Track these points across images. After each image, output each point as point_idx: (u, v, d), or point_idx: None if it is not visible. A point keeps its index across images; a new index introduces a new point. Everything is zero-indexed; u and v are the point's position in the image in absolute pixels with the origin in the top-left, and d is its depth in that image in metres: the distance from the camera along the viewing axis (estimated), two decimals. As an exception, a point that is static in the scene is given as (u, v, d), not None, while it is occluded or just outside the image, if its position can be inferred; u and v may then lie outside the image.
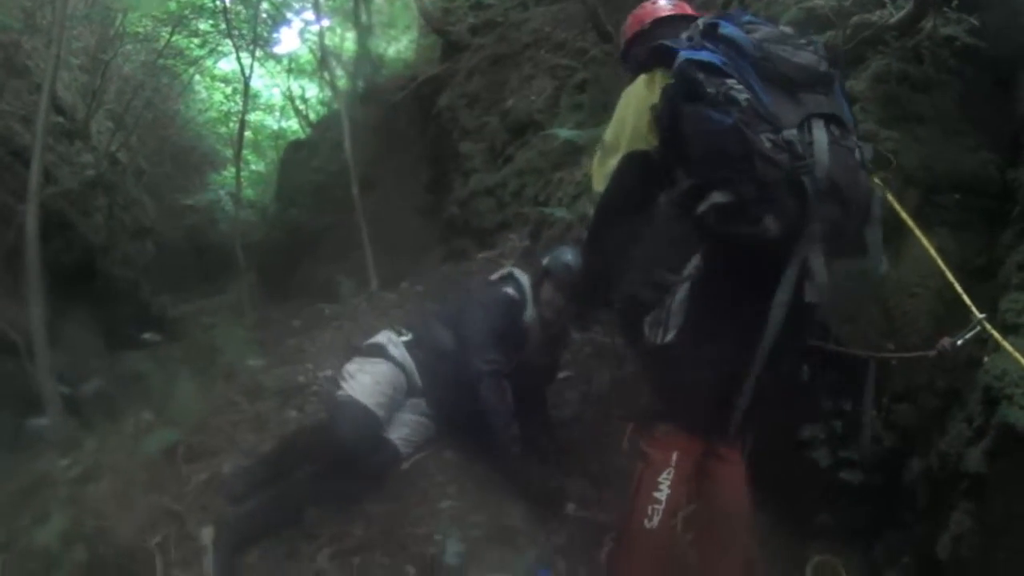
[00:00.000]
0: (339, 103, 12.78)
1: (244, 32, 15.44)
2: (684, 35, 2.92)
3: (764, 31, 2.79)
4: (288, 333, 7.52)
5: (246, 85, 15.19)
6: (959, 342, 2.81)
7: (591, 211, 3.44)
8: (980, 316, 2.78)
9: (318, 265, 11.93)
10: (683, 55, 2.75)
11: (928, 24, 4.06)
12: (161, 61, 17.82)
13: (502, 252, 7.24)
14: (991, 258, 3.51)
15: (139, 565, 3.67)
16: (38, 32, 12.67)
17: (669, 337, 2.80)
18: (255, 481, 3.96)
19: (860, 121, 3.53)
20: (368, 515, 3.79)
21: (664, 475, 2.88)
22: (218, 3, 15.10)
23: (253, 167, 23.06)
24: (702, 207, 2.59)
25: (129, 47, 17.65)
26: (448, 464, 4.18)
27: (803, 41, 2.83)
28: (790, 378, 3.03)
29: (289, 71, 20.46)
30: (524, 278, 4.39)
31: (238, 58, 15.54)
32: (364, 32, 15.91)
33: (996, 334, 2.72)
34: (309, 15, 16.57)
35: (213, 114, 22.89)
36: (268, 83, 22.45)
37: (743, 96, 2.56)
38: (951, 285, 2.94)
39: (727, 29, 2.77)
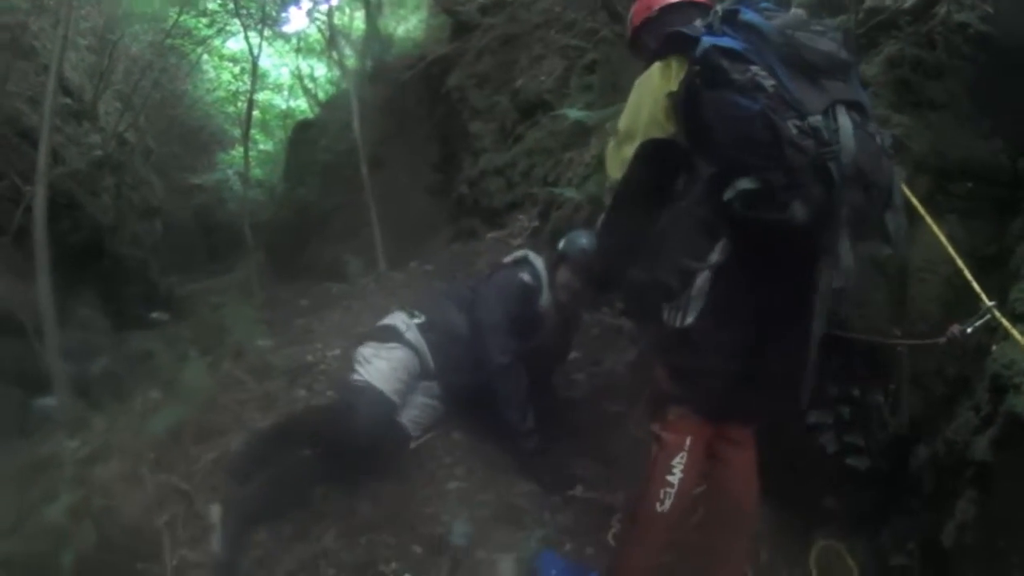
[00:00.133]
0: (348, 82, 12.74)
1: (252, 11, 15.38)
2: (700, 22, 2.90)
3: (783, 17, 2.77)
4: (296, 313, 7.53)
5: (254, 65, 15.19)
6: (968, 330, 2.81)
7: (604, 195, 3.44)
8: (990, 304, 2.78)
9: (326, 245, 11.94)
10: (706, 41, 2.72)
11: (942, 10, 4.02)
12: (169, 41, 17.75)
13: (511, 232, 7.25)
14: (1001, 247, 3.49)
15: (147, 544, 3.69)
16: (45, 13, 12.64)
17: (688, 321, 2.79)
18: (257, 458, 3.97)
19: (872, 106, 3.52)
20: (375, 495, 3.81)
21: (678, 459, 2.88)
22: (226, -18, 15.05)
23: (261, 147, 23.07)
24: (728, 194, 2.58)
25: (137, 27, 17.64)
26: (456, 445, 4.20)
27: (820, 27, 2.81)
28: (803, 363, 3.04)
29: (298, 50, 20.44)
30: (539, 262, 4.39)
31: (246, 37, 15.52)
32: (373, 11, 15.87)
33: (1005, 322, 2.71)
34: (318, -6, 16.50)
35: (221, 94, 22.86)
36: (276, 63, 22.45)
37: (769, 83, 2.54)
38: (961, 272, 2.93)
39: (748, 15, 2.74)
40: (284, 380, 5.00)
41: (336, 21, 16.38)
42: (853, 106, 2.62)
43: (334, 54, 16.50)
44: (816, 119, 2.50)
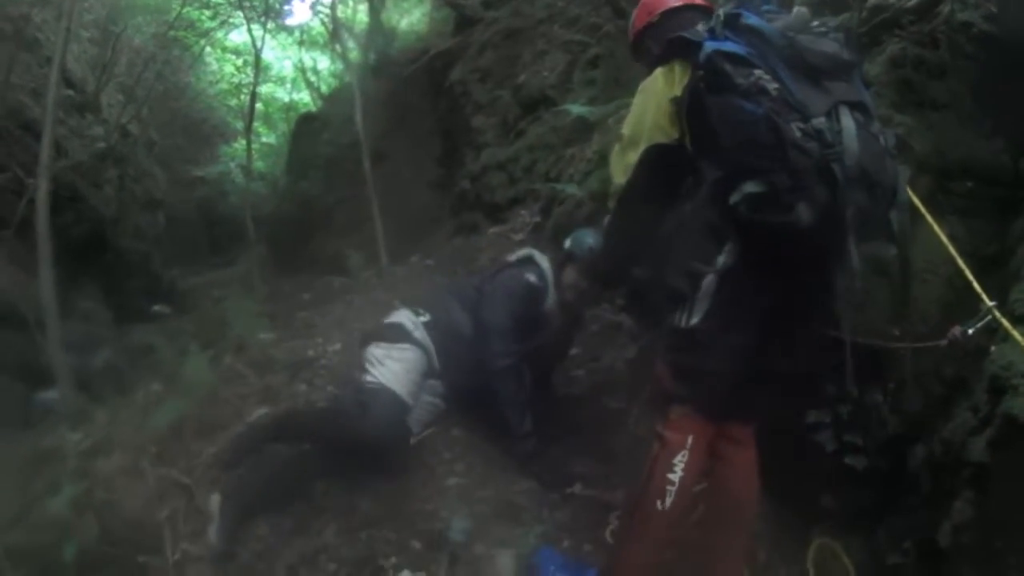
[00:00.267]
0: (351, 76, 12.74)
1: (256, 4, 15.37)
2: (702, 26, 2.91)
3: (785, 20, 2.80)
4: (298, 306, 7.55)
5: (257, 57, 15.15)
6: (970, 331, 2.83)
7: (608, 196, 3.46)
8: (990, 304, 2.80)
9: (328, 238, 11.93)
10: (709, 46, 2.75)
11: (945, 9, 4.02)
12: (172, 33, 17.76)
13: (513, 227, 7.25)
14: (1002, 247, 3.50)
15: (149, 537, 3.71)
16: (48, 4, 12.63)
17: (694, 321, 2.82)
18: (253, 450, 3.96)
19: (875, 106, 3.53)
20: (375, 491, 3.82)
21: (679, 457, 2.89)
22: (230, -26, 15.04)
23: (264, 139, 23.01)
24: (734, 197, 2.62)
25: (140, 19, 17.64)
26: (455, 441, 4.21)
27: (821, 28, 2.83)
28: (806, 364, 3.07)
29: (301, 43, 20.37)
30: (544, 262, 4.40)
31: (249, 30, 15.50)
32: (376, 4, 15.85)
33: (1006, 323, 2.73)
34: (322, -14, 16.47)
35: (224, 86, 22.85)
36: (279, 55, 22.40)
37: (772, 86, 2.57)
38: (961, 272, 2.95)
39: (750, 19, 2.77)
40: (285, 374, 5.00)
41: (339, 14, 16.37)
42: (856, 107, 2.65)
43: (337, 47, 16.50)
44: (819, 121, 2.53)
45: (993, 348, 2.95)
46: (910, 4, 4.10)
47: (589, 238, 4.25)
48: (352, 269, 8.04)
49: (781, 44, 2.67)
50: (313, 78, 21.14)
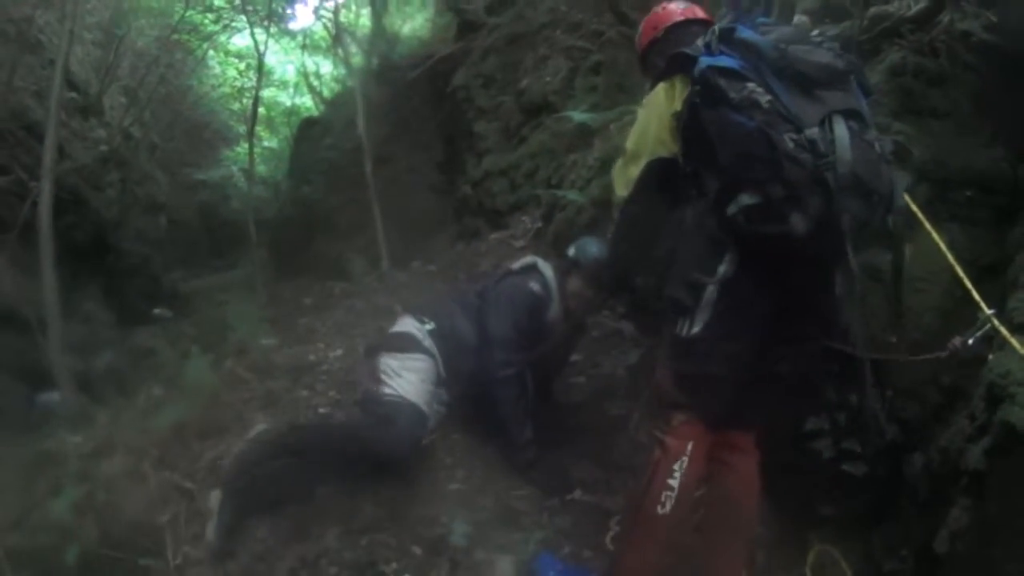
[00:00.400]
0: (353, 80, 12.74)
1: (259, 8, 15.41)
2: (701, 41, 2.95)
3: (780, 32, 2.86)
4: (299, 311, 7.57)
5: (260, 61, 15.15)
6: (970, 341, 2.86)
7: (613, 211, 3.51)
8: (989, 312, 2.81)
9: (330, 242, 11.93)
10: (703, 62, 2.81)
11: (945, 18, 4.04)
12: (175, 36, 17.77)
13: (514, 233, 7.27)
14: (1001, 255, 3.51)
15: (150, 540, 3.72)
16: (51, 6, 12.64)
17: (695, 330, 2.87)
18: (253, 466, 3.86)
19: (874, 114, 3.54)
20: (377, 496, 3.83)
21: (679, 463, 2.92)
22: (233, -21, 15.06)
23: (266, 143, 23.00)
24: (731, 209, 2.69)
25: (143, 22, 17.65)
26: (456, 447, 4.22)
27: (818, 39, 2.87)
28: (805, 371, 3.10)
29: (303, 47, 20.35)
30: (548, 270, 4.39)
31: (252, 34, 15.50)
32: (379, 9, 15.86)
33: (1004, 331, 2.74)
34: (324, -9, 16.49)
35: (226, 90, 22.82)
36: (282, 59, 22.37)
37: (765, 99, 2.62)
38: (959, 281, 2.97)
39: (744, 33, 2.83)
40: (287, 379, 5.01)
41: (342, 19, 16.38)
42: (851, 115, 2.69)
43: (340, 52, 16.46)
44: (812, 131, 2.57)
45: (991, 356, 2.96)
46: (910, 13, 4.12)
47: (593, 246, 4.27)
48: (353, 274, 8.07)
49: (774, 56, 2.72)
50: (315, 82, 21.13)
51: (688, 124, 2.93)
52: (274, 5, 15.53)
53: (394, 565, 3.49)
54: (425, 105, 11.72)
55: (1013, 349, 2.68)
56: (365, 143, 10.29)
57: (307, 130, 16.19)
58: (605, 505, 3.86)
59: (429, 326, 4.23)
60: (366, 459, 3.81)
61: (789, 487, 3.47)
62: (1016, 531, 2.69)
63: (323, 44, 20.23)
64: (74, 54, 13.30)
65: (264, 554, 3.57)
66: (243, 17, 15.58)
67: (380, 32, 15.46)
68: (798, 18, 4.39)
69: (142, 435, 4.40)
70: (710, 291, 2.84)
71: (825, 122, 2.62)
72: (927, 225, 3.14)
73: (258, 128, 18.25)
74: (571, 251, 4.37)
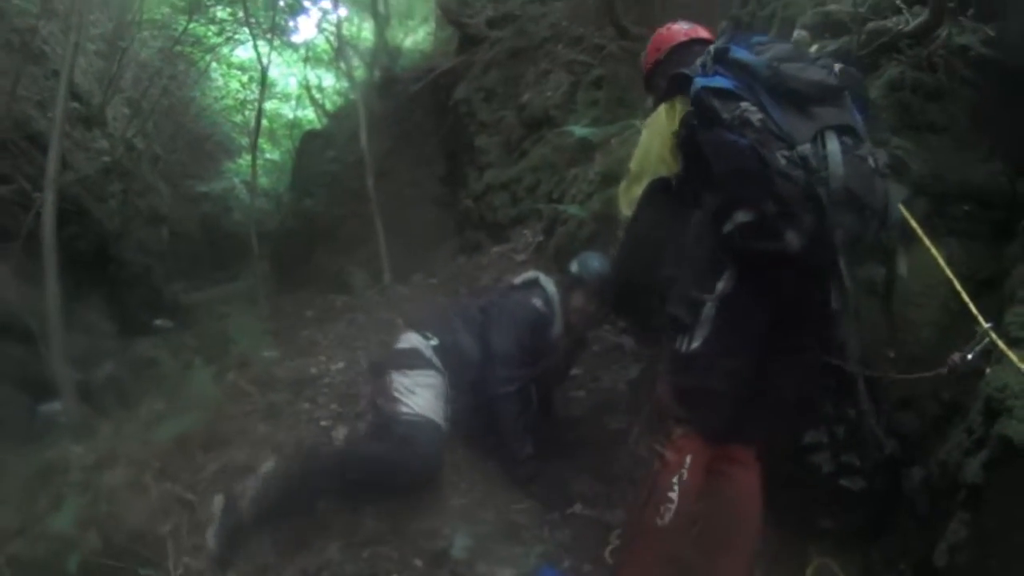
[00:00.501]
0: (355, 93, 12.82)
1: (262, 20, 15.49)
2: (699, 61, 3.01)
3: (774, 50, 2.92)
4: (301, 324, 7.58)
5: (263, 73, 15.22)
6: (969, 356, 2.88)
7: (618, 230, 3.57)
8: (987, 325, 2.84)
9: (332, 255, 11.97)
10: (698, 83, 2.88)
11: (943, 33, 4.06)
12: (178, 48, 17.87)
13: (515, 247, 7.29)
14: (998, 270, 3.53)
15: (151, 550, 3.73)
16: (55, 17, 12.69)
17: (695, 345, 2.91)
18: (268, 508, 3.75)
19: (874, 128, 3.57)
20: (378, 508, 3.82)
21: (678, 476, 2.95)
22: (236, -9, 15.13)
23: (268, 156, 23.08)
24: (727, 227, 2.74)
25: (146, 33, 17.74)
26: (458, 461, 4.21)
27: (812, 56, 2.93)
28: (803, 385, 3.12)
29: (306, 60, 20.47)
30: (551, 286, 4.39)
31: (255, 46, 15.57)
32: (381, 22, 15.95)
33: (1002, 344, 2.76)
34: (327, 4, 16.62)
35: (229, 102, 22.94)
36: (285, 72, 22.48)
37: (756, 117, 2.67)
38: (957, 295, 2.99)
39: (738, 53, 2.89)
40: (289, 392, 5.01)
41: (344, 32, 16.48)
42: (844, 130, 2.73)
43: (342, 65, 16.57)
44: (805, 147, 2.63)
45: (988, 370, 2.98)
46: (908, 28, 4.14)
47: (595, 262, 4.29)
48: (355, 287, 8.09)
49: (766, 75, 2.78)
50: (318, 95, 21.23)
51: (686, 144, 2.99)
52: (277, 18, 15.63)
53: (395, 577, 3.51)
54: (427, 118, 11.77)
55: (1010, 363, 2.70)
56: (367, 156, 10.34)
57: (309, 143, 16.26)
58: (605, 519, 3.86)
59: (434, 342, 4.20)
60: (392, 486, 3.80)
61: (788, 500, 3.47)
62: (1014, 544, 2.70)
63: (325, 57, 20.37)
64: (78, 65, 13.32)
65: (265, 566, 3.57)
66: (246, 29, 15.68)
67: (382, 45, 15.57)
68: (798, 33, 4.42)
69: (144, 446, 4.40)
70: (709, 307, 2.88)
71: (817, 138, 2.67)
72: (925, 240, 3.16)
73: (260, 140, 18.31)
74: (574, 267, 4.38)
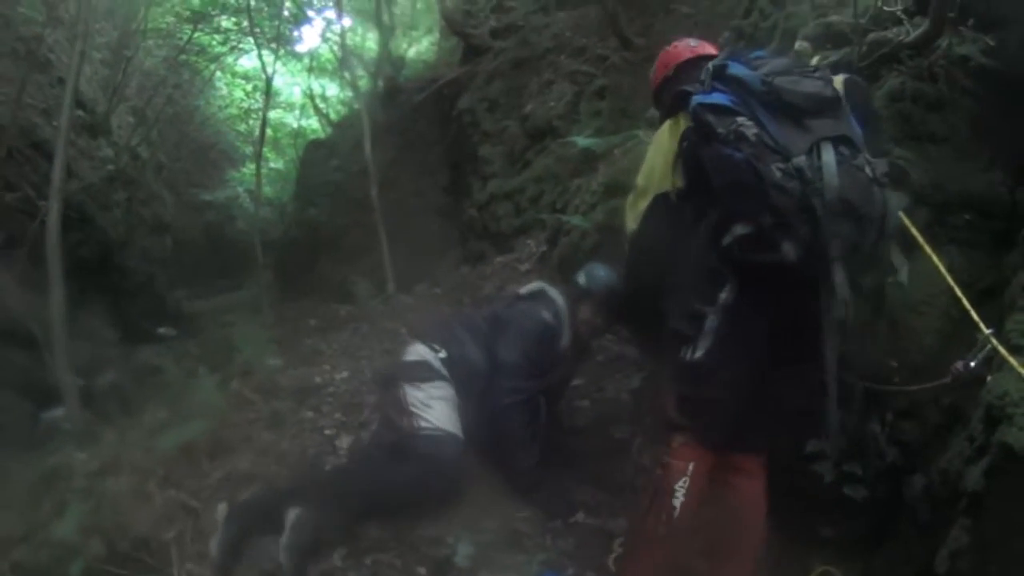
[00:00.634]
0: (359, 103, 12.83)
1: (266, 30, 15.54)
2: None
3: (771, 64, 2.96)
4: (304, 333, 7.59)
5: (267, 83, 15.27)
6: (972, 364, 2.91)
7: (626, 245, 3.62)
8: (988, 331, 2.86)
9: (335, 265, 11.99)
10: (695, 100, 2.94)
11: (944, 43, 4.07)
12: (183, 57, 17.94)
13: (519, 257, 7.30)
14: (998, 278, 3.53)
15: (155, 557, 3.74)
16: (60, 25, 12.73)
17: (698, 355, 2.96)
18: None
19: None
20: (382, 516, 3.84)
21: (680, 483, 2.99)
22: (241, 1, 15.17)
23: (272, 165, 23.12)
24: (727, 239, 2.80)
25: (151, 42, 17.82)
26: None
27: (810, 68, 2.98)
28: (804, 394, 3.14)
29: (310, 70, 20.52)
30: (559, 298, 4.36)
31: (260, 56, 15.66)
32: (386, 32, 15.99)
33: (1003, 350, 2.77)
34: (331, 14, 16.66)
35: (233, 111, 23.02)
36: (289, 81, 22.55)
37: (752, 131, 2.73)
38: (958, 303, 3.01)
39: (735, 69, 2.95)
40: (292, 401, 5.03)
41: (349, 42, 16.50)
42: (841, 141, 2.76)
43: (346, 74, 16.62)
44: (800, 160, 2.68)
45: (989, 378, 2.98)
46: (909, 39, 4.15)
47: (603, 273, 4.28)
48: (359, 296, 8.10)
49: (761, 90, 2.83)
50: (322, 105, 21.27)
51: (687, 159, 3.06)
52: (281, 28, 15.68)
53: (399, 585, 3.51)
54: (431, 128, 11.80)
55: (1010, 370, 2.71)
56: (371, 166, 10.38)
57: (313, 152, 16.29)
58: (608, 527, 3.87)
59: (442, 354, 4.17)
60: (421, 504, 3.81)
61: (790, 509, 3.48)
62: (1014, 551, 2.70)
63: (330, 66, 20.42)
64: (83, 73, 13.37)
65: (269, 574, 3.58)
66: (251, 39, 15.73)
67: (386, 55, 15.60)
68: (799, 44, 4.45)
69: (148, 454, 4.41)
70: (711, 319, 2.93)
71: (813, 150, 2.71)
72: (927, 248, 3.18)
73: (265, 149, 18.36)
74: (581, 279, 4.35)
